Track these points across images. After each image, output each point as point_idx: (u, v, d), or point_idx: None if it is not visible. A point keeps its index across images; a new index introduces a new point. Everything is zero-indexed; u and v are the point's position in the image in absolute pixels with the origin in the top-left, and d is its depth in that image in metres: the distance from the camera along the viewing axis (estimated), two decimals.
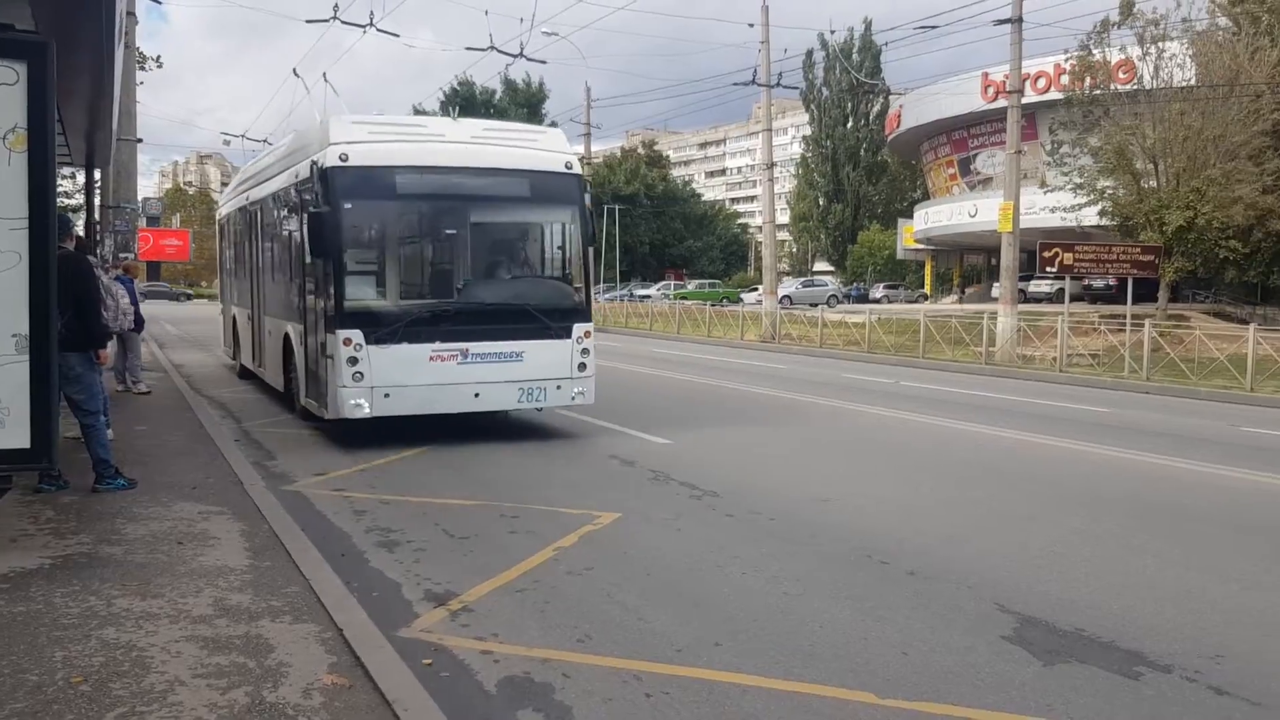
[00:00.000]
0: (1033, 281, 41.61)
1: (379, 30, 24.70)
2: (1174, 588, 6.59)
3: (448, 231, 12.15)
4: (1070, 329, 24.54)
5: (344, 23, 24.45)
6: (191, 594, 5.68)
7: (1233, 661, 5.26)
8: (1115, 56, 31.12)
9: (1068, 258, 27.02)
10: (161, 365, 20.00)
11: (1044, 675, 5.05)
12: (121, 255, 20.26)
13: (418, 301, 11.38)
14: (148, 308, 20.05)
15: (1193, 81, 28.48)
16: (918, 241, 60.04)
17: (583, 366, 11.64)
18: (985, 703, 4.70)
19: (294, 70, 24.79)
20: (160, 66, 33.23)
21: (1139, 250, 27.86)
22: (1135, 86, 29.85)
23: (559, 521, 7.93)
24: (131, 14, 21.26)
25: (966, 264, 64.05)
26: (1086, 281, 37.41)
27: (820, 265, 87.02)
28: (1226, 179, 27.43)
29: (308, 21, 25.66)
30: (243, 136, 37.71)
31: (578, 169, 11.94)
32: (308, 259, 11.50)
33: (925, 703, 4.68)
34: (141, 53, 26.58)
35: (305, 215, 11.19)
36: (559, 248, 12.58)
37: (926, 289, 64.22)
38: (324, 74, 23.82)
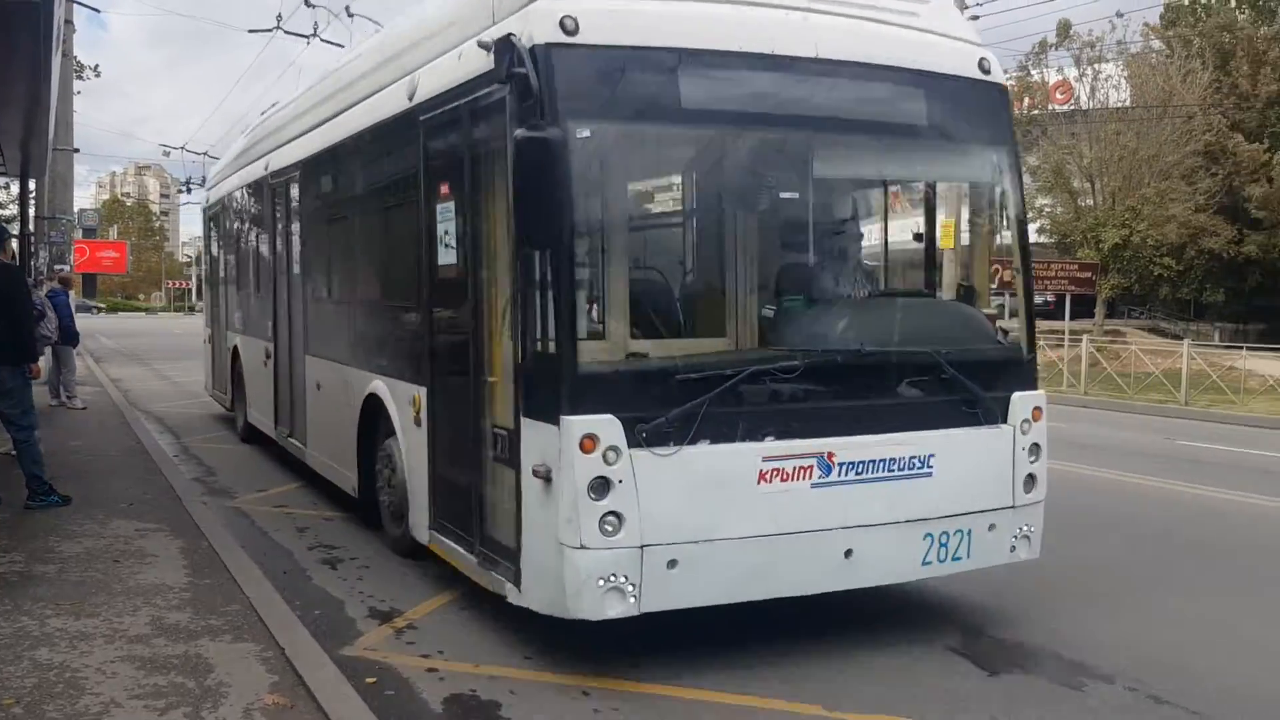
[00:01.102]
0: None
1: (323, 40, 24.52)
2: (1116, 599, 6.70)
3: (780, 194, 6.13)
4: None
5: (286, 32, 24.30)
6: (128, 613, 5.55)
7: (1172, 671, 5.35)
8: (1053, 77, 31.86)
9: (1007, 274, 27.48)
10: (98, 380, 19.57)
11: (988, 686, 5.10)
12: (57, 267, 19.85)
13: (725, 348, 5.73)
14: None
15: (1128, 102, 29.24)
16: None
17: (1030, 481, 5.84)
18: (931, 713, 4.74)
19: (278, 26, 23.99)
20: (98, 75, 32.78)
21: (1076, 267, 28.44)
22: (1072, 107, 30.60)
23: None
24: (70, 22, 20.90)
25: None
26: None
27: None
28: (1160, 198, 28.16)
29: (250, 31, 25.44)
30: (183, 148, 37.34)
31: (999, 75, 6.08)
32: (443, 257, 6.01)
33: (873, 715, 4.71)
34: (79, 61, 26.11)
35: (504, 150, 5.12)
36: (971, 231, 6.66)
37: None
38: (346, 7, 22.37)
